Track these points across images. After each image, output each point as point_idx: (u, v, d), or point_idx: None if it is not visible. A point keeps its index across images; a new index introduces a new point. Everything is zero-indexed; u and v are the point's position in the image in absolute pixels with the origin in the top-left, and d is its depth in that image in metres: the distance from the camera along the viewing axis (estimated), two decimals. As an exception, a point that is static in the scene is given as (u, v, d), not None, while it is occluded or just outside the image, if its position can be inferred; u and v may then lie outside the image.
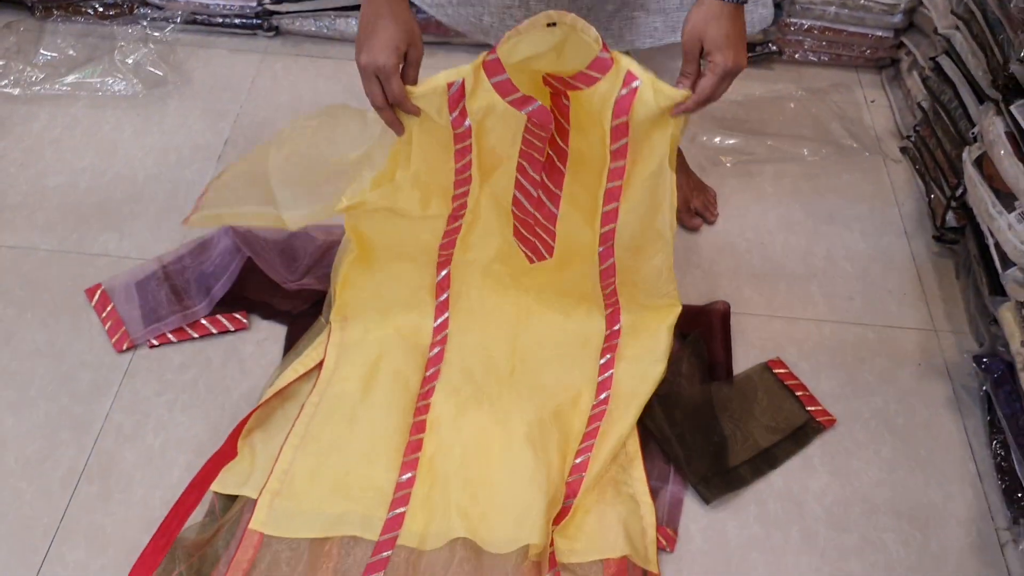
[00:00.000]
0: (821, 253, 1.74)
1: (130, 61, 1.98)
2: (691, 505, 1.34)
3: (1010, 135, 1.43)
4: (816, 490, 1.38)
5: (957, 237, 1.70)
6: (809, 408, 1.46)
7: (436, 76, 1.16)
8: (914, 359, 1.57)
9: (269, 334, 1.52)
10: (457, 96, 1.17)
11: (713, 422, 1.41)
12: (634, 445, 1.35)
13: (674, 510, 1.32)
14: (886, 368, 1.55)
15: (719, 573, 1.28)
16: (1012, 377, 1.38)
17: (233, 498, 1.28)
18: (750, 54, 2.14)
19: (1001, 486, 1.37)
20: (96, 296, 1.53)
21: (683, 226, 1.76)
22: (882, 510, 1.36)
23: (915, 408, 1.50)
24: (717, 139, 1.95)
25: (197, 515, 1.27)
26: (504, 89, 1.17)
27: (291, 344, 1.48)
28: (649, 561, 1.25)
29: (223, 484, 1.29)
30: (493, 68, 1.16)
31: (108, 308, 1.51)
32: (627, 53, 1.16)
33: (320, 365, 1.41)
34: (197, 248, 1.57)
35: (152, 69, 1.99)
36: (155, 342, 1.48)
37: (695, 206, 1.77)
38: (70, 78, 1.96)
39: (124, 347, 1.47)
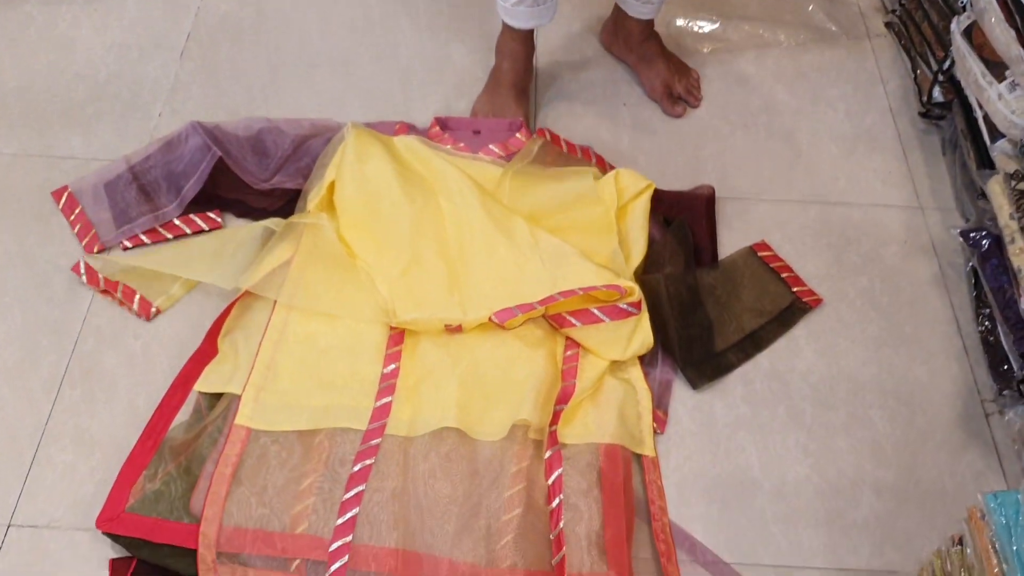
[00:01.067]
0: (805, 134, 1.71)
1: (81, -48, 1.88)
2: (679, 387, 1.35)
3: (1001, 1, 1.39)
4: (802, 369, 1.38)
5: (943, 112, 1.67)
6: (795, 289, 1.45)
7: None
8: (900, 237, 1.56)
9: (245, 233, 1.48)
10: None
11: (699, 307, 1.40)
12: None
13: (663, 392, 1.32)
14: (871, 247, 1.54)
15: (708, 452, 1.29)
16: (999, 250, 1.37)
17: (218, 397, 1.27)
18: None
19: (987, 359, 1.38)
20: (63, 199, 1.48)
21: (666, 113, 1.72)
22: (868, 387, 1.37)
23: (901, 286, 1.49)
24: (692, 24, 1.89)
25: (183, 415, 1.26)
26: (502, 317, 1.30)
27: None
28: (644, 445, 1.26)
29: (207, 383, 1.27)
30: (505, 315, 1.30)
31: (76, 211, 1.47)
32: None
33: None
34: (165, 147, 1.52)
35: (106, -39, 1.89)
36: (128, 244, 1.45)
37: (678, 91, 1.72)
38: (19, -27, 1.86)
39: (95, 250, 1.43)
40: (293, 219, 1.39)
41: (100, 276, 1.38)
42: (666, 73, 1.72)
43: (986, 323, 1.41)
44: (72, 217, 1.46)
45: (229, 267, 1.37)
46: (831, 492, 1.26)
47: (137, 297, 1.36)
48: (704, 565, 1.18)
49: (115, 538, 1.13)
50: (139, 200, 1.47)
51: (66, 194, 1.49)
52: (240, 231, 1.43)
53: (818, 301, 1.45)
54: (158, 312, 1.37)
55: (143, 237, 1.45)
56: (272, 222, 1.41)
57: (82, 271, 1.38)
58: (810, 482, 1.27)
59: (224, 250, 1.40)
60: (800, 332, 1.42)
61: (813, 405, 1.34)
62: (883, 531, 1.23)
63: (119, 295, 1.36)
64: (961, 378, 1.39)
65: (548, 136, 1.61)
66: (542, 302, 1.30)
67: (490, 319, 1.29)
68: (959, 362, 1.40)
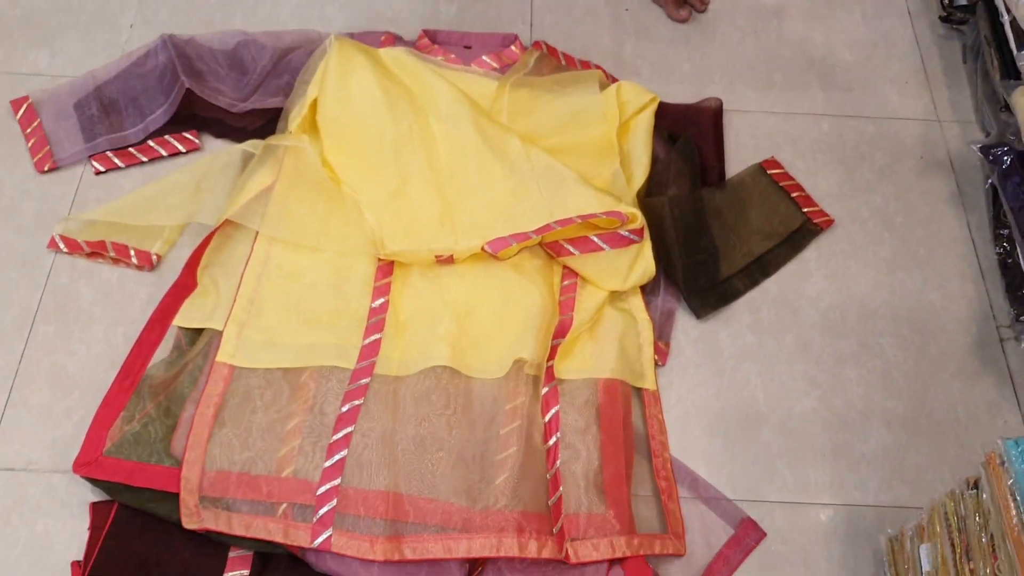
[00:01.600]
0: (819, 41, 1.61)
1: None
2: (682, 316, 1.29)
3: None
4: (811, 295, 1.32)
5: (966, 16, 1.57)
6: (805, 209, 1.38)
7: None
8: (915, 152, 1.48)
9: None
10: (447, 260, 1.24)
11: (705, 232, 1.33)
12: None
13: (665, 322, 1.27)
14: (886, 163, 1.46)
15: (711, 385, 1.24)
16: (1021, 167, 1.30)
17: (199, 332, 1.21)
18: None
19: (1004, 283, 1.32)
20: (22, 109, 1.40)
21: (671, 18, 1.62)
22: (879, 314, 1.31)
23: (916, 205, 1.42)
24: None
25: (162, 352, 1.21)
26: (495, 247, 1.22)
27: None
28: (645, 378, 1.21)
29: (187, 318, 1.21)
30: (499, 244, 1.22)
31: (34, 124, 1.38)
32: None
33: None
34: (133, 64, 1.43)
35: None
36: (101, 167, 1.37)
37: (683, -7, 1.62)
38: None
39: (45, 168, 1.36)
40: (271, 140, 1.31)
41: (81, 241, 1.29)
42: (671, -26, 1.61)
43: (1004, 244, 1.34)
44: (29, 130, 1.38)
45: (211, 201, 1.29)
46: (839, 425, 1.21)
47: (132, 251, 1.28)
48: (706, 502, 1.14)
49: (94, 482, 1.09)
50: (101, 119, 1.39)
51: (26, 104, 1.40)
52: (218, 158, 1.34)
53: (829, 222, 1.38)
54: (159, 259, 1.29)
55: (116, 160, 1.37)
56: (251, 144, 1.33)
57: (60, 244, 1.29)
58: (817, 415, 1.22)
59: (203, 184, 1.32)
60: (810, 255, 1.36)
61: (822, 333, 1.29)
62: (892, 465, 1.19)
63: (111, 254, 1.28)
64: (976, 302, 1.33)
65: (544, 49, 1.51)
66: (538, 231, 1.23)
67: (483, 249, 1.22)
68: (975, 285, 1.34)
